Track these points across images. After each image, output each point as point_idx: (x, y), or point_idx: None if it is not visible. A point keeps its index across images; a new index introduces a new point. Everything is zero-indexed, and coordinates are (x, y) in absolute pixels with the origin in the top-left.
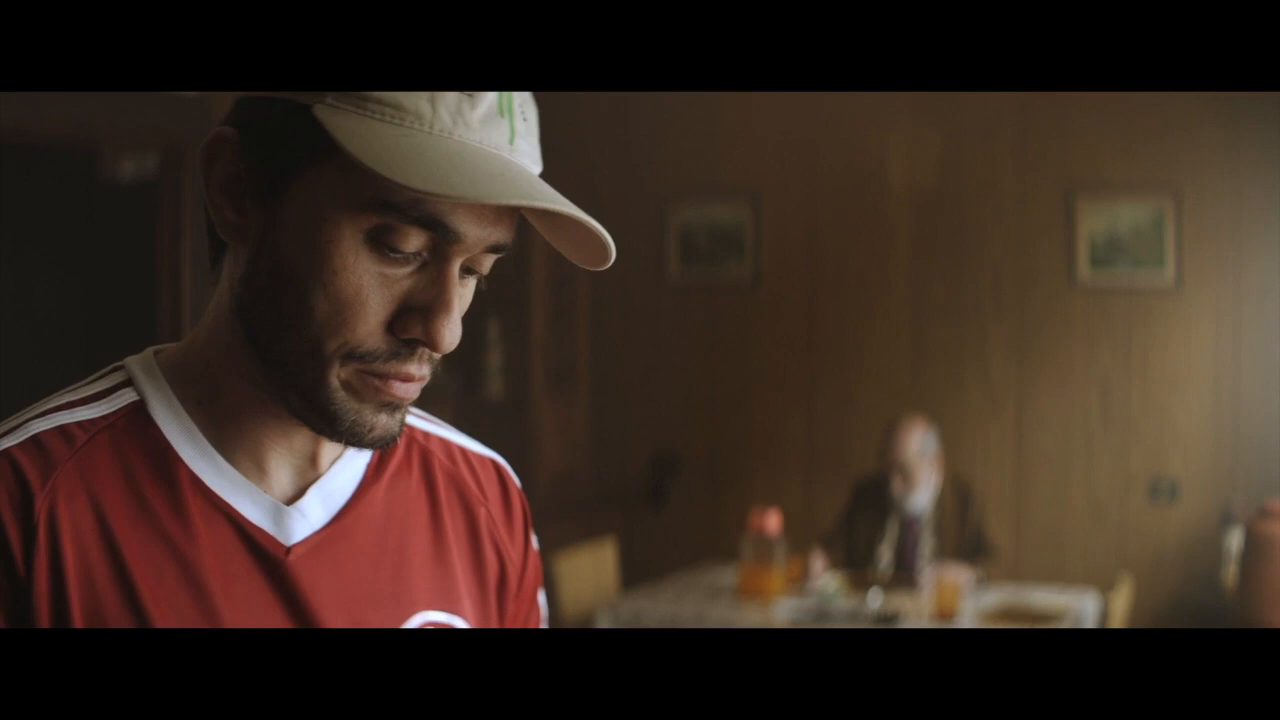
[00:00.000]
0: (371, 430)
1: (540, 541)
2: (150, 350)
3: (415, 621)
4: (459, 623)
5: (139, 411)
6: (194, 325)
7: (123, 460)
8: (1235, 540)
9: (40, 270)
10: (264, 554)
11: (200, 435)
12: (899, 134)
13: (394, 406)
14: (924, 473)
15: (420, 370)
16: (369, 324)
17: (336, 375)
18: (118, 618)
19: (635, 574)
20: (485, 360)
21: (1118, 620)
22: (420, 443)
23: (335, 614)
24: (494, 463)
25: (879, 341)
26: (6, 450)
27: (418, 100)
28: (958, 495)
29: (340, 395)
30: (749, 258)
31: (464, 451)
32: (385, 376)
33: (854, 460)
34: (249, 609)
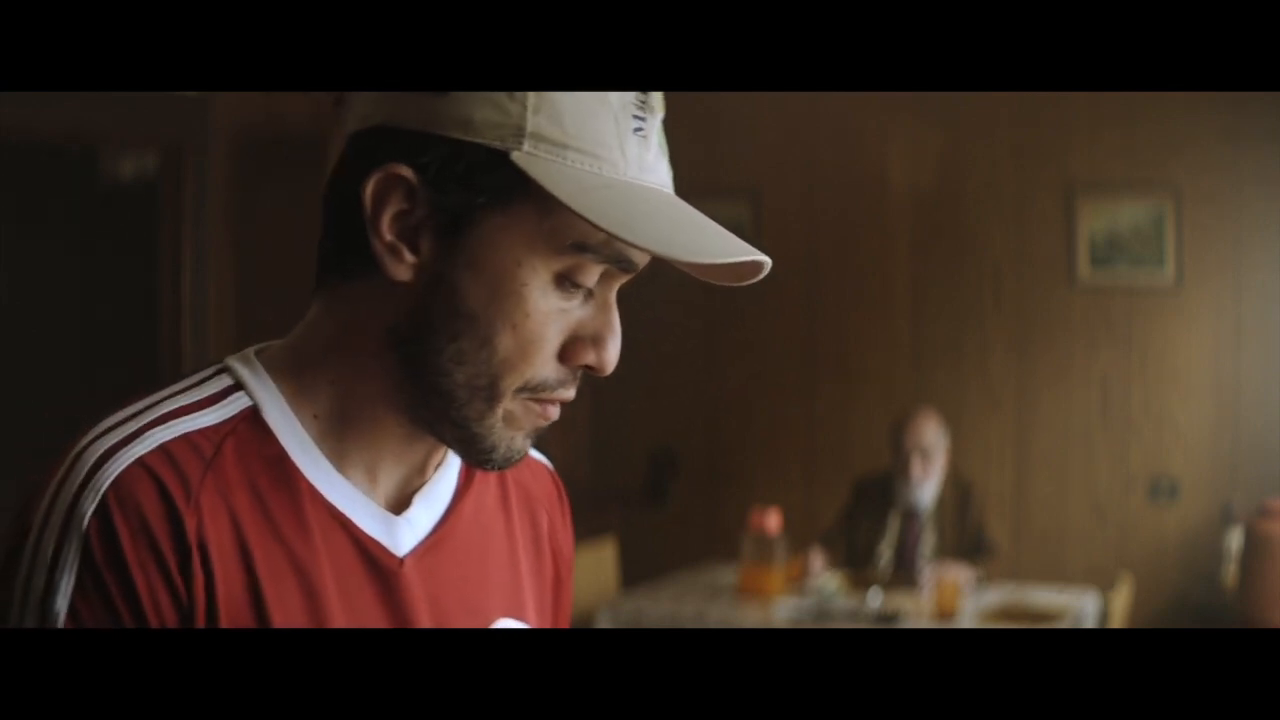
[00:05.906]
0: (520, 454)
1: None
2: (250, 351)
3: (496, 627)
4: (524, 626)
5: (254, 419)
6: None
7: (247, 472)
8: (1235, 540)
9: (40, 270)
10: (378, 565)
11: (313, 445)
12: (899, 134)
13: (538, 430)
14: (939, 460)
15: (572, 393)
16: (545, 357)
17: (504, 407)
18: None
19: (635, 573)
20: None
21: (1118, 620)
22: None
23: (431, 623)
24: (546, 468)
25: (879, 341)
26: (140, 460)
27: (610, 147)
28: (957, 494)
29: (499, 426)
30: None
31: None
32: (547, 403)
33: (854, 460)
34: (360, 620)
